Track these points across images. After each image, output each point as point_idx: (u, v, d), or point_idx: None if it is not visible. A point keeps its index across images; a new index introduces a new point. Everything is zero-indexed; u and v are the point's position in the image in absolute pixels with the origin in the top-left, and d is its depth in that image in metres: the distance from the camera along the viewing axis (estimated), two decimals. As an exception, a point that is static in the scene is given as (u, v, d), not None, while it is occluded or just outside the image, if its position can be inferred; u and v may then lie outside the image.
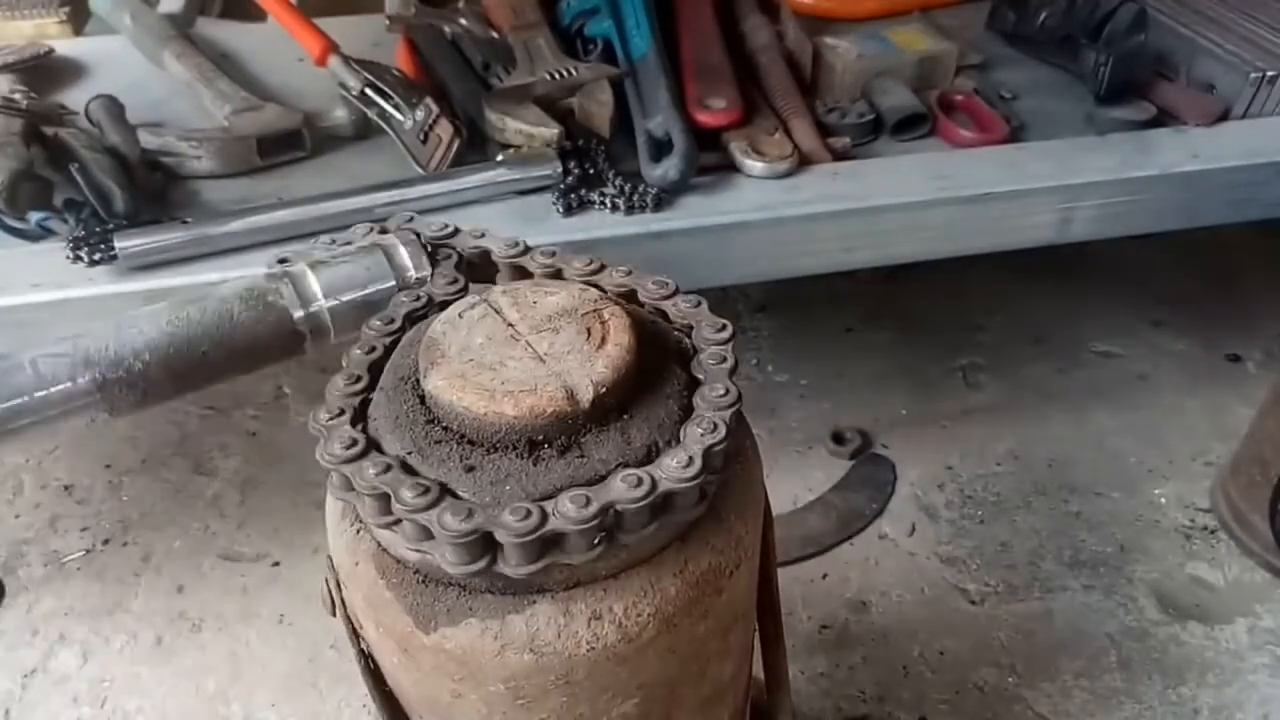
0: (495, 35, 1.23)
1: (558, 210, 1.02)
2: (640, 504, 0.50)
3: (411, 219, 0.69)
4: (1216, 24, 1.29)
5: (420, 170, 1.08)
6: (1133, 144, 1.16)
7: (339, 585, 0.59)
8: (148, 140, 1.07)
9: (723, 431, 0.53)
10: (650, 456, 0.53)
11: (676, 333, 0.63)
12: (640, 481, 0.50)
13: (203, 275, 0.93)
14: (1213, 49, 1.24)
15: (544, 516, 0.49)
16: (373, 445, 0.53)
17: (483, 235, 0.69)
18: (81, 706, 1.12)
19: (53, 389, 0.57)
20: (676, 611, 0.55)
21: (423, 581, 0.53)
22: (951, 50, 1.27)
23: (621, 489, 0.50)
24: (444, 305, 0.63)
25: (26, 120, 1.03)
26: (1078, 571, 1.26)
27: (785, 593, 1.22)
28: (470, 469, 0.51)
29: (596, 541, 0.50)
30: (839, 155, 1.12)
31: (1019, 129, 1.20)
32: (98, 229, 0.93)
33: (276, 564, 1.27)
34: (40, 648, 1.17)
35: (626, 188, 1.03)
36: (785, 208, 1.04)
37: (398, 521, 0.50)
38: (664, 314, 0.64)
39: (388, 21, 1.30)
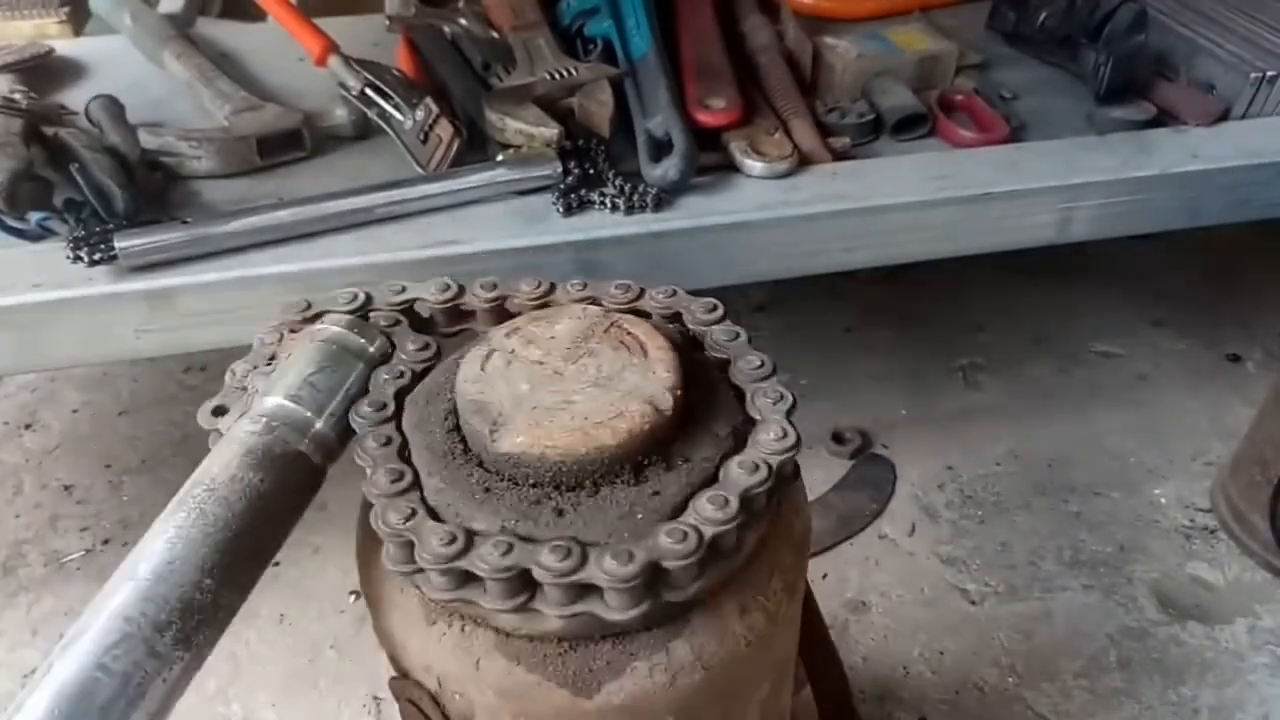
0: (495, 35, 1.23)
1: (558, 210, 1.02)
2: (762, 486, 0.51)
3: (308, 305, 0.65)
4: (1216, 24, 1.29)
5: (420, 170, 1.08)
6: (1133, 144, 1.16)
7: (435, 700, 0.54)
8: (148, 140, 1.07)
9: (789, 399, 0.56)
10: (740, 442, 0.54)
11: (671, 325, 0.63)
12: (756, 466, 0.52)
13: (203, 275, 0.93)
14: (1213, 49, 1.24)
15: (698, 532, 0.48)
16: (470, 536, 0.49)
17: (403, 289, 0.66)
18: (81, 706, 1.12)
19: (139, 677, 0.47)
20: (795, 579, 0.57)
21: (571, 648, 0.51)
22: (951, 50, 1.27)
23: (743, 476, 0.51)
24: (422, 374, 0.60)
25: (26, 120, 1.03)
26: (1078, 571, 1.26)
27: (785, 593, 1.23)
28: (579, 510, 0.50)
29: (737, 537, 0.51)
30: (839, 155, 1.12)
31: (1019, 129, 1.20)
32: (98, 229, 0.93)
33: (276, 564, 1.27)
34: (40, 648, 1.17)
35: (626, 188, 1.03)
36: (785, 208, 1.04)
37: (530, 596, 0.48)
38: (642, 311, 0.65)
39: (388, 21, 1.30)
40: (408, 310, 0.66)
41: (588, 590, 0.49)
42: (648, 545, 0.48)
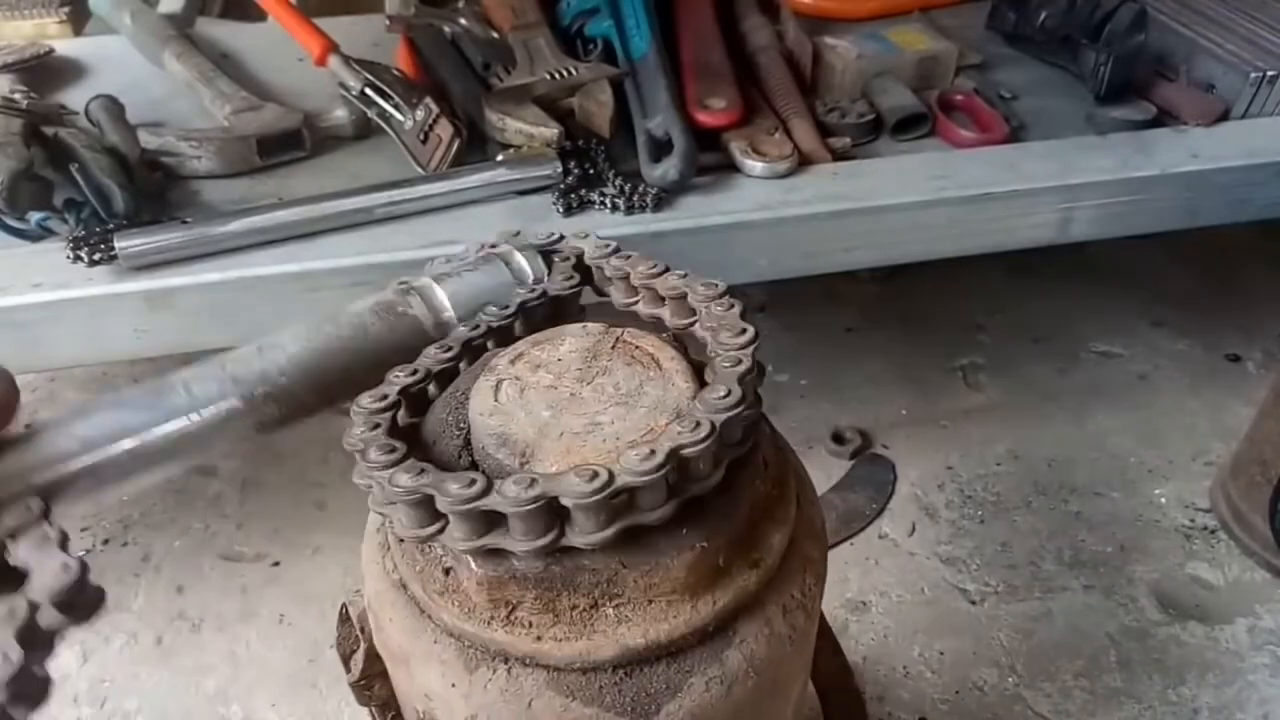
0: (495, 35, 1.23)
1: (558, 210, 1.02)
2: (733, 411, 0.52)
3: (517, 233, 0.71)
4: (1216, 24, 1.29)
5: (420, 170, 1.08)
6: (1133, 144, 1.16)
7: None
8: (148, 140, 1.07)
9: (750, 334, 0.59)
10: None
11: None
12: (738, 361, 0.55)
13: (203, 275, 0.93)
14: (1213, 49, 1.24)
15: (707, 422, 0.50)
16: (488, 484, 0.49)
17: (586, 236, 0.70)
18: (81, 706, 1.12)
19: (206, 409, 0.58)
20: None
21: (627, 674, 0.51)
22: (951, 50, 1.27)
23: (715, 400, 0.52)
24: (556, 301, 0.63)
25: (26, 120, 1.03)
26: (1078, 571, 1.26)
27: (785, 593, 1.23)
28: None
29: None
30: (839, 155, 1.12)
31: (1019, 129, 1.20)
32: (98, 229, 0.93)
33: (276, 564, 1.27)
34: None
35: (626, 188, 1.03)
36: (785, 208, 1.04)
37: (559, 532, 0.49)
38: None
39: (388, 21, 1.30)
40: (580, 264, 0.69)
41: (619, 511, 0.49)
42: (664, 445, 0.48)
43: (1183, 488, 1.38)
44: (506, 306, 0.63)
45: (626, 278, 0.66)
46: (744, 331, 0.59)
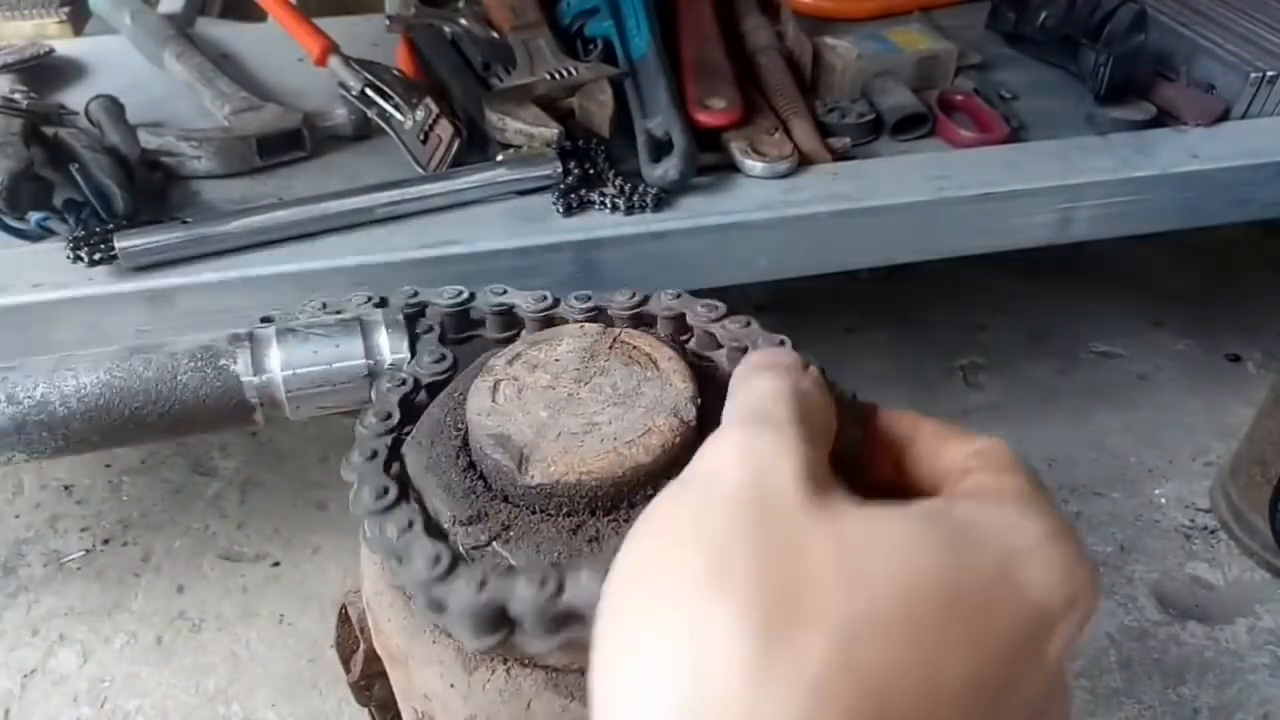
0: (495, 35, 1.23)
1: (558, 210, 1.02)
2: None
3: (416, 294, 0.64)
4: (1216, 24, 1.29)
5: (420, 170, 1.08)
6: (1133, 144, 1.16)
7: None
8: (148, 140, 1.07)
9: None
10: None
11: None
12: None
13: (203, 275, 0.93)
14: (1213, 49, 1.24)
15: None
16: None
17: (504, 292, 0.64)
18: (81, 706, 1.12)
19: None
20: None
21: None
22: (951, 50, 1.27)
23: None
24: (432, 387, 0.58)
25: (26, 120, 1.03)
26: (1078, 571, 1.26)
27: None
28: (619, 534, 0.49)
29: None
30: (839, 155, 1.12)
31: (1019, 129, 1.20)
32: (98, 229, 0.93)
33: (276, 564, 1.28)
34: (40, 648, 1.17)
35: (626, 188, 1.03)
36: (785, 208, 1.04)
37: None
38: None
39: (388, 21, 1.30)
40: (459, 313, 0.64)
41: None
42: None
43: (1183, 488, 1.38)
44: (389, 415, 0.55)
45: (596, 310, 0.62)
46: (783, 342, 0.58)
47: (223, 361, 0.58)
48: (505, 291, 0.64)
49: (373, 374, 0.60)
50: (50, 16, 1.41)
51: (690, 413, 0.52)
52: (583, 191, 1.03)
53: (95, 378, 0.56)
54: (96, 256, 0.92)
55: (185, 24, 1.38)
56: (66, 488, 1.38)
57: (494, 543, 0.49)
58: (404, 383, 0.58)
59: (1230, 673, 1.15)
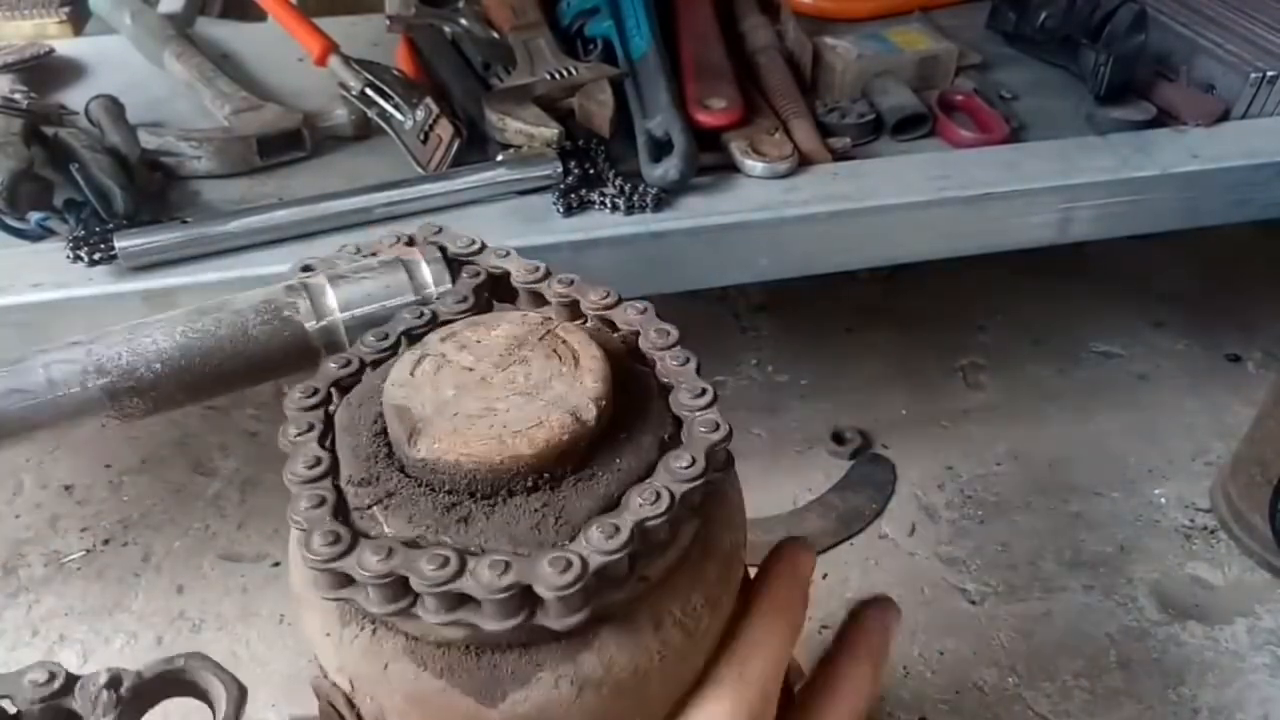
0: (495, 35, 1.23)
1: (558, 210, 1.02)
2: (665, 515, 0.49)
3: (439, 230, 0.68)
4: (1216, 24, 1.29)
5: (420, 170, 1.08)
6: (1133, 144, 1.16)
7: (350, 702, 0.54)
8: (148, 140, 1.07)
9: (723, 427, 0.53)
10: (654, 464, 0.52)
11: (616, 334, 0.62)
12: (658, 495, 0.49)
13: (203, 275, 0.93)
14: (1213, 49, 1.24)
15: (583, 561, 0.47)
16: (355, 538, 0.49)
17: (507, 254, 0.67)
18: (81, 706, 1.12)
19: (64, 394, 0.57)
20: (720, 595, 0.55)
21: (477, 655, 0.50)
22: (951, 50, 1.27)
23: (644, 507, 0.49)
24: (411, 337, 0.60)
25: (26, 120, 1.03)
26: (1078, 571, 1.26)
27: (785, 593, 1.23)
28: (491, 519, 0.49)
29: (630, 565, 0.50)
30: (839, 155, 1.12)
31: (1019, 129, 1.20)
32: (98, 229, 0.93)
33: (276, 564, 1.27)
34: (40, 648, 1.17)
35: (626, 188, 1.03)
36: (785, 208, 1.04)
37: (411, 602, 0.47)
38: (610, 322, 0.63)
39: (388, 21, 1.30)
40: (502, 278, 0.66)
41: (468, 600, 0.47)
42: (531, 564, 0.46)
43: (1183, 488, 1.38)
44: (385, 336, 0.59)
45: (573, 304, 0.63)
46: (704, 393, 0.55)
47: (286, 313, 0.61)
48: (508, 254, 0.67)
49: (423, 302, 0.63)
50: (50, 16, 1.42)
51: (590, 413, 0.51)
52: (583, 191, 1.03)
53: (174, 341, 0.59)
54: (96, 256, 0.92)
55: (185, 24, 1.38)
56: (66, 488, 1.38)
57: (374, 507, 0.50)
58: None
59: (1230, 673, 1.15)
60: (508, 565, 0.46)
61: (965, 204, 1.08)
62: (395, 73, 1.14)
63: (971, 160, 1.13)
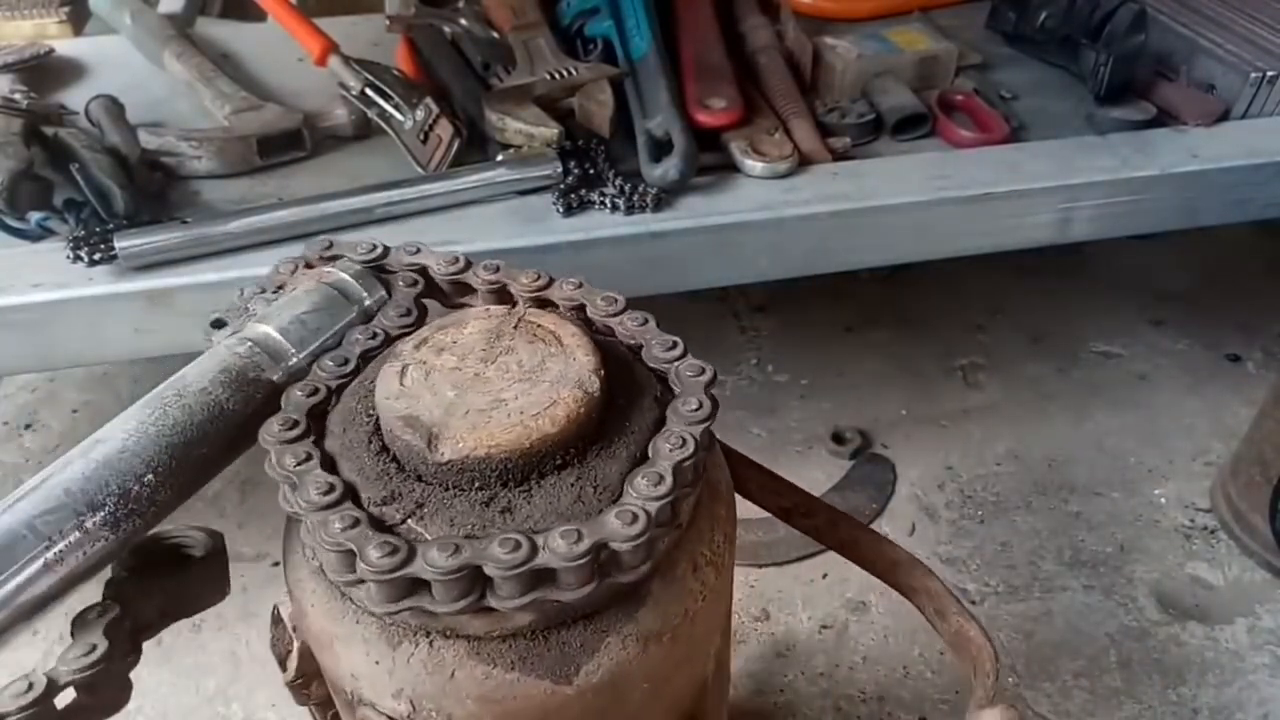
0: (495, 35, 1.23)
1: (558, 210, 1.02)
2: (695, 457, 0.53)
3: (330, 245, 0.67)
4: (1216, 24, 1.29)
5: (420, 170, 1.08)
6: (1133, 144, 1.16)
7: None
8: (148, 140, 1.07)
9: (707, 370, 0.57)
10: (664, 412, 0.56)
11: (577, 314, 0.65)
12: (684, 440, 0.53)
13: (203, 275, 0.93)
14: (1213, 49, 1.24)
15: (645, 511, 0.50)
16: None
17: (417, 251, 0.68)
18: (81, 706, 1.12)
19: (62, 544, 0.51)
20: (730, 530, 0.60)
21: (544, 637, 0.51)
22: (951, 50, 1.27)
23: (674, 451, 0.52)
24: (400, 338, 0.60)
25: (26, 120, 1.03)
26: (1078, 571, 1.26)
27: (785, 592, 1.23)
28: (533, 503, 0.51)
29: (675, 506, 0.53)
30: (839, 155, 1.12)
31: (1019, 129, 1.20)
32: (98, 229, 0.93)
33: (276, 564, 1.27)
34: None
35: (626, 188, 1.03)
36: (785, 208, 1.04)
37: (481, 594, 0.49)
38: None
39: (388, 21, 1.30)
40: (422, 272, 0.67)
41: (542, 577, 0.49)
42: (595, 525, 0.49)
43: (1183, 488, 1.38)
44: (345, 361, 0.59)
45: (501, 289, 0.65)
46: (675, 345, 0.60)
47: (252, 374, 0.59)
48: (418, 250, 0.68)
49: (366, 316, 0.64)
50: (50, 16, 1.41)
51: (594, 384, 0.53)
52: (583, 191, 1.03)
53: (153, 443, 0.54)
54: (96, 256, 0.92)
55: (185, 24, 1.38)
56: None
57: (409, 520, 0.50)
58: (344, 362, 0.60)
59: (1230, 673, 1.15)
60: (580, 533, 0.48)
61: (965, 204, 1.08)
62: (395, 73, 1.14)
63: (971, 160, 1.13)
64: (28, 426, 1.48)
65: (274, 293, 0.65)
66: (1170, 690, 1.13)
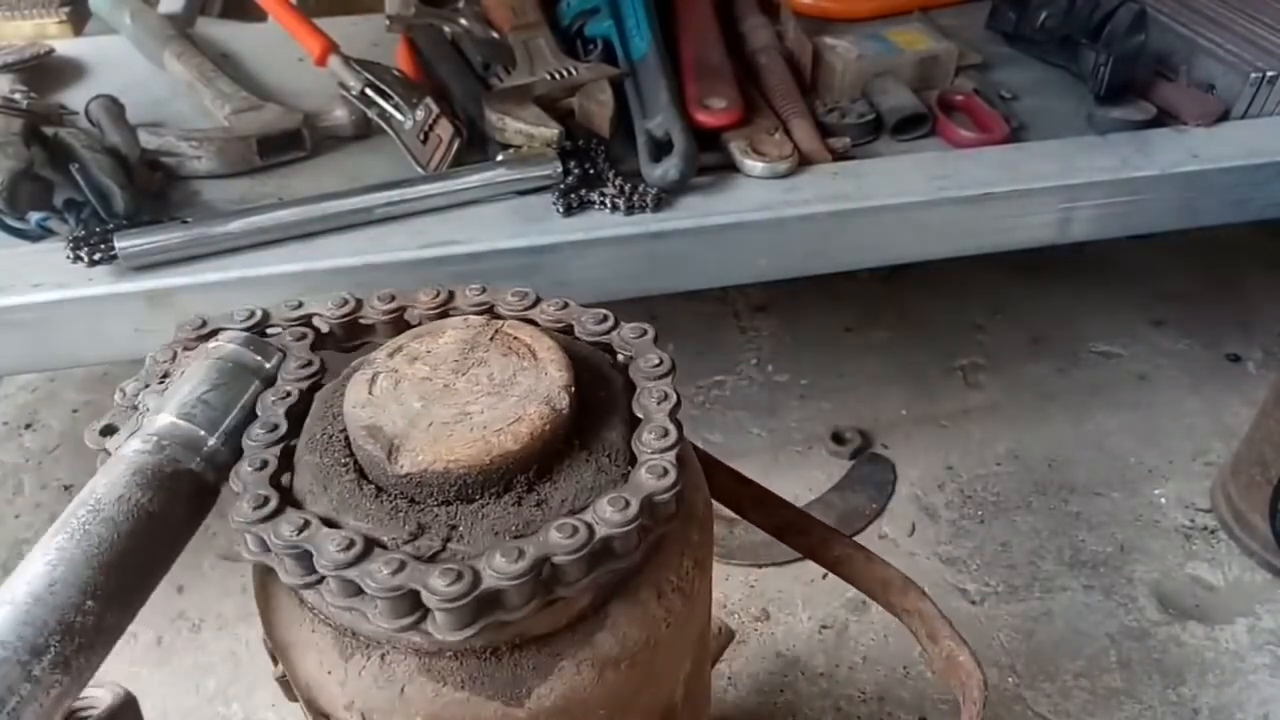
0: (495, 35, 1.23)
1: (558, 210, 1.02)
2: (671, 491, 0.51)
3: (204, 324, 0.64)
4: (1216, 24, 1.29)
5: (420, 170, 1.08)
6: (1133, 144, 1.16)
7: None
8: (148, 140, 1.07)
9: (673, 398, 0.56)
10: (630, 434, 0.54)
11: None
12: (666, 471, 0.51)
13: (203, 275, 0.93)
14: (1213, 49, 1.24)
15: (589, 528, 0.48)
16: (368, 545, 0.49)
17: (299, 305, 0.65)
18: (81, 706, 1.11)
19: (13, 701, 0.46)
20: (704, 556, 0.58)
21: (496, 657, 0.50)
22: (951, 50, 1.27)
23: (650, 481, 0.51)
24: (312, 390, 0.59)
25: (26, 120, 1.03)
26: (1078, 571, 1.26)
27: (785, 592, 1.23)
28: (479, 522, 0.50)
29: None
30: (839, 155, 1.12)
31: (1019, 129, 1.20)
32: (98, 229, 0.93)
33: (276, 564, 1.28)
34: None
35: (626, 188, 1.03)
36: (785, 208, 1.04)
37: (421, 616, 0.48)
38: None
39: (388, 21, 1.30)
40: (306, 324, 0.65)
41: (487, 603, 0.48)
42: (538, 542, 0.48)
43: (1183, 488, 1.38)
44: (274, 427, 0.56)
45: (400, 314, 0.63)
46: (646, 333, 0.60)
47: (169, 469, 0.55)
48: (300, 304, 0.65)
49: (268, 382, 0.61)
50: (50, 16, 1.42)
51: (563, 401, 0.52)
52: (583, 191, 1.03)
53: (85, 565, 0.50)
54: (96, 256, 0.92)
55: (185, 24, 1.38)
56: (66, 488, 1.38)
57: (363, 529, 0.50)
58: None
59: (1230, 673, 1.15)
60: (521, 551, 0.47)
61: (965, 204, 1.08)
62: (395, 73, 1.14)
63: (971, 160, 1.13)
64: (28, 426, 1.48)
65: (160, 382, 0.62)
66: (1170, 690, 1.13)
